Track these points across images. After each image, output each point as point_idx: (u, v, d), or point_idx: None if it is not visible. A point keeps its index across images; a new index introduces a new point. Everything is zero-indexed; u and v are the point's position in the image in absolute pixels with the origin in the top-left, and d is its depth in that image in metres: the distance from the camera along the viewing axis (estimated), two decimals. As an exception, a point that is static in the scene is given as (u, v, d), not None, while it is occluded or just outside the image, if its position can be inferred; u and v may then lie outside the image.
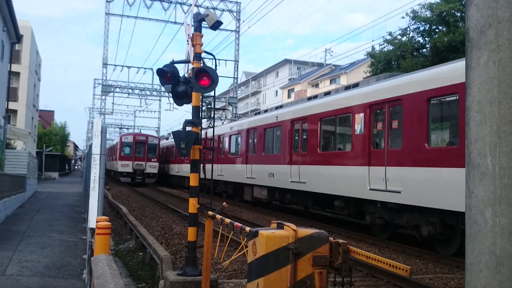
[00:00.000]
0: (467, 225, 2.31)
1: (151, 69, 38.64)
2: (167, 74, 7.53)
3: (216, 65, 7.76)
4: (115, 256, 10.30)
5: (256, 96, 73.63)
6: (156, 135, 50.96)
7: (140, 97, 40.21)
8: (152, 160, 39.71)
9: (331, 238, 4.64)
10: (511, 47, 2.20)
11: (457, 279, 8.61)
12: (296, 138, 16.85)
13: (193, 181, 7.46)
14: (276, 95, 65.28)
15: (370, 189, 12.13)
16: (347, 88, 15.07)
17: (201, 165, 19.33)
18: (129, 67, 37.90)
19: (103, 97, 41.97)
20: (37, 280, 8.06)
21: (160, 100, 59.04)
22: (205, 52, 7.74)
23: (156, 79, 36.98)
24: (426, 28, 25.81)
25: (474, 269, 2.25)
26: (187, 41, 7.94)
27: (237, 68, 37.64)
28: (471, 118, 2.32)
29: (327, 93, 16.33)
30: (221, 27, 8.38)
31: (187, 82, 7.57)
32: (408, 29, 26.42)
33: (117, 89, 38.39)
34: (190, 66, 7.71)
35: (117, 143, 41.47)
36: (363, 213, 13.24)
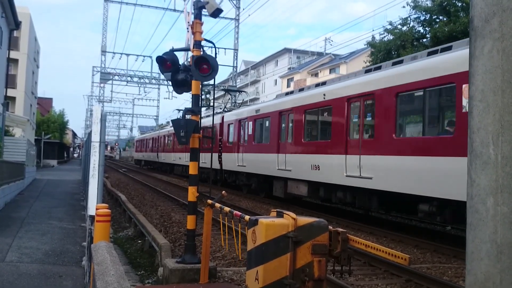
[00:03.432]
0: (468, 214, 2.32)
1: (150, 57, 38.60)
2: (166, 62, 7.49)
3: (216, 53, 7.73)
4: (114, 244, 10.33)
5: (255, 85, 73.47)
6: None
7: (139, 85, 40.21)
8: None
9: (330, 227, 4.65)
10: (516, 36, 2.19)
11: (454, 268, 8.66)
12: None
13: (193, 170, 7.46)
14: (276, 84, 65.14)
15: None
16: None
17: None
18: (128, 54, 37.86)
19: (102, 85, 41.92)
20: (37, 266, 8.09)
21: (159, 88, 59.05)
22: (205, 40, 7.70)
23: (155, 67, 36.93)
24: (427, 18, 25.69)
25: (474, 257, 2.26)
26: (187, 28, 7.89)
27: (237, 56, 37.56)
28: (474, 107, 2.31)
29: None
30: (221, 15, 8.34)
31: (186, 70, 7.54)
32: (409, 18, 26.31)
33: (116, 77, 38.32)
34: (190, 54, 7.67)
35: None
36: None
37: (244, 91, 34.71)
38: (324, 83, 16.17)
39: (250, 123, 20.59)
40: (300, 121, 16.17)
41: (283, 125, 17.80)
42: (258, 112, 19.96)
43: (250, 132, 20.56)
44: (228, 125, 23.73)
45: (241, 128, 21.93)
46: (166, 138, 40.16)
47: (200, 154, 24.13)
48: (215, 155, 24.04)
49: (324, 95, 14.68)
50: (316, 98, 15.31)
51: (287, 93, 19.58)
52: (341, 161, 13.26)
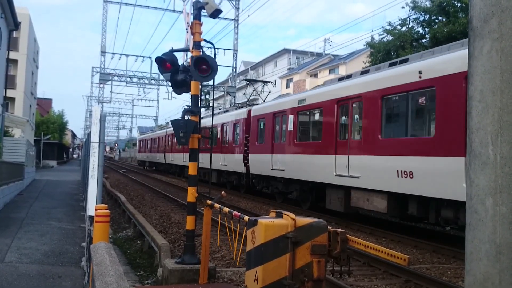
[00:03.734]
0: (467, 214, 2.32)
1: (150, 57, 38.56)
2: (166, 63, 7.49)
3: (215, 54, 7.73)
4: (113, 244, 10.32)
5: (255, 86, 73.39)
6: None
7: (139, 85, 40.24)
8: None
9: (329, 227, 4.65)
10: (515, 36, 2.19)
11: (453, 269, 8.67)
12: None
13: (192, 170, 7.46)
14: (275, 85, 65.11)
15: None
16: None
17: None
18: (127, 55, 37.92)
19: (101, 86, 41.90)
20: (36, 267, 8.09)
21: (158, 89, 59.21)
22: (205, 40, 7.70)
23: (155, 68, 36.93)
24: (426, 19, 25.70)
25: (474, 258, 2.26)
26: (186, 29, 7.90)
27: (236, 57, 37.57)
28: (473, 107, 2.31)
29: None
30: (220, 15, 8.34)
31: (186, 71, 7.55)
32: (408, 19, 26.32)
33: (115, 78, 38.27)
34: (189, 54, 7.67)
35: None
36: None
37: (270, 82, 29.95)
38: (405, 60, 11.98)
39: (291, 117, 16.64)
40: (374, 112, 12.01)
41: (343, 117, 13.72)
42: (302, 102, 16.04)
43: (291, 127, 16.61)
44: (258, 120, 19.97)
45: (276, 123, 18.18)
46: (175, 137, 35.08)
47: (224, 155, 22.32)
48: (240, 157, 21.38)
49: (420, 73, 10.56)
50: (403, 78, 11.10)
51: (341, 78, 15.23)
52: (455, 166, 9.37)
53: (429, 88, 10.50)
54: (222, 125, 24.60)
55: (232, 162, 22.53)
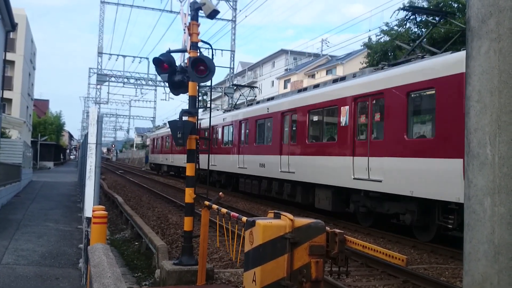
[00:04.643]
0: (465, 215, 2.32)
1: (147, 58, 38.47)
2: (163, 64, 7.48)
3: (212, 55, 7.72)
4: (111, 246, 10.30)
5: (252, 87, 73.34)
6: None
7: (136, 86, 40.09)
8: None
9: (327, 228, 4.64)
10: (512, 36, 2.19)
11: (451, 269, 8.67)
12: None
13: (190, 171, 7.45)
14: (272, 85, 65.14)
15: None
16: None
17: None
18: (124, 56, 37.84)
19: (98, 87, 41.84)
20: (33, 269, 8.06)
21: (155, 90, 59.16)
22: (202, 41, 7.69)
23: (152, 69, 36.84)
24: (423, 19, 25.73)
25: (472, 258, 2.26)
26: (184, 30, 7.90)
27: (233, 58, 37.56)
28: (471, 108, 2.31)
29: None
30: (217, 16, 8.35)
31: (183, 72, 7.54)
32: (405, 20, 26.35)
33: (113, 79, 38.17)
34: (187, 55, 7.67)
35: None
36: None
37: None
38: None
39: None
40: None
41: None
42: None
43: None
44: None
45: None
46: (230, 128, 21.85)
47: (373, 159, 12.96)
48: (410, 162, 10.51)
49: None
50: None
51: None
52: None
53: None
54: (355, 101, 12.89)
55: (408, 175, 10.75)
